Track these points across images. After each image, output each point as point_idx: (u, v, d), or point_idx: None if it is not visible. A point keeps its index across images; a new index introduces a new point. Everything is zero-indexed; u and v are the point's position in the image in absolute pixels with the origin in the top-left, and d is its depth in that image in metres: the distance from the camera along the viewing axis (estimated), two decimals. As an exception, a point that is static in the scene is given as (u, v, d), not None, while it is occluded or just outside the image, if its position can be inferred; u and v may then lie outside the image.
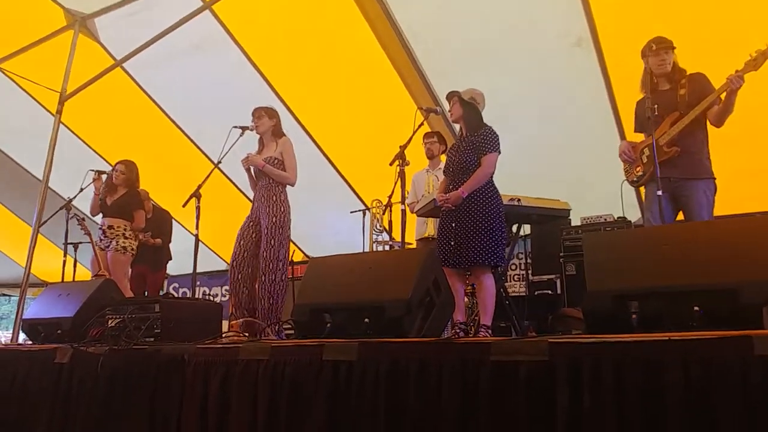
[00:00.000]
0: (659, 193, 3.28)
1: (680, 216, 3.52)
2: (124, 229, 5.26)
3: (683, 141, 3.42)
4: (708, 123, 3.49)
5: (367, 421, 1.94)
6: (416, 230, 5.12)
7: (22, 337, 4.64)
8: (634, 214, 5.02)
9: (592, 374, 1.62)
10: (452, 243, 3.58)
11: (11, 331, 5.35)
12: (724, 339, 1.51)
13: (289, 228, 4.31)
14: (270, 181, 4.31)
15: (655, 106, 3.39)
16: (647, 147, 3.51)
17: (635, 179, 3.67)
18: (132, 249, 5.27)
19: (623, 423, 1.54)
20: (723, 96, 3.31)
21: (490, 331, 3.52)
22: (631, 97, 3.83)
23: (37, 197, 5.30)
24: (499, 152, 3.67)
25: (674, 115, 3.46)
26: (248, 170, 4.43)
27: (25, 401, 2.98)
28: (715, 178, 3.45)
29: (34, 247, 5.19)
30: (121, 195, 5.36)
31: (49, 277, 9.27)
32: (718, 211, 3.48)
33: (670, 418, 1.47)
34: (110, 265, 5.16)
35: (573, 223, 5.22)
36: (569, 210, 4.37)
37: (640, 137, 3.79)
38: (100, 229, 5.31)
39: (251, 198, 4.51)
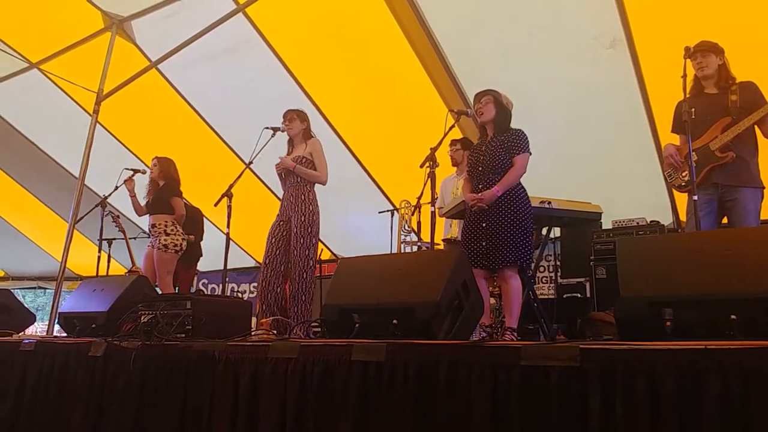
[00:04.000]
0: (695, 198, 3.21)
1: (725, 222, 3.45)
2: (165, 225, 5.22)
3: (734, 148, 3.37)
4: (757, 132, 3.42)
5: (395, 422, 1.93)
6: (444, 231, 5.11)
7: (56, 329, 4.76)
8: (666, 218, 4.93)
9: (625, 382, 1.59)
10: (483, 243, 3.53)
11: (47, 323, 5.48)
12: (764, 349, 1.47)
13: (318, 227, 4.33)
14: (298, 180, 4.34)
15: (692, 109, 3.33)
16: (694, 152, 3.44)
17: (683, 184, 3.60)
18: (175, 245, 5.18)
19: (657, 432, 1.51)
20: None
21: (515, 334, 3.48)
22: (667, 100, 3.75)
23: (74, 194, 5.43)
24: (530, 153, 3.65)
25: (725, 121, 3.39)
26: (280, 175, 4.47)
27: (61, 392, 3.07)
28: (764, 188, 3.38)
29: (70, 242, 5.32)
30: (158, 189, 5.39)
31: (83, 272, 9.51)
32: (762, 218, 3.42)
33: (707, 431, 1.44)
34: (155, 263, 5.17)
35: (604, 227, 5.15)
36: (601, 213, 4.30)
37: (675, 138, 3.72)
38: (149, 228, 5.36)
39: (281, 198, 4.56)
